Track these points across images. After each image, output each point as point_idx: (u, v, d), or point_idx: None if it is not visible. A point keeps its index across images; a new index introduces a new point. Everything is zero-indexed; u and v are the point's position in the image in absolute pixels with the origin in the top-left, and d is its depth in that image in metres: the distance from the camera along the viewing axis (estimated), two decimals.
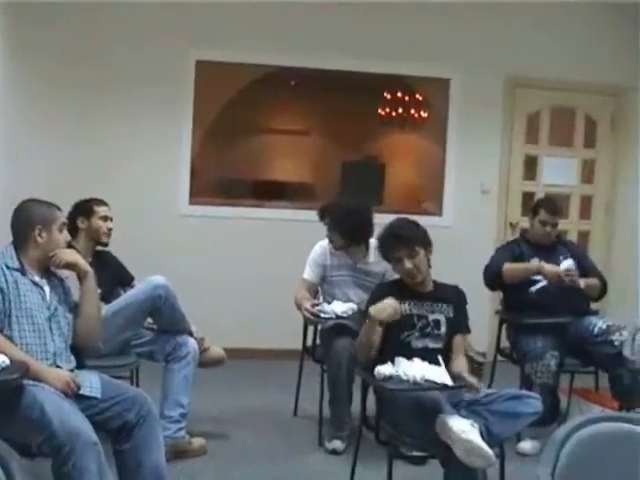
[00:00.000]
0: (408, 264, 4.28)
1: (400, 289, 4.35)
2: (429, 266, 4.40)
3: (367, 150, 13.10)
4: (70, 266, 3.91)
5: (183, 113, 7.48)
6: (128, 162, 7.37)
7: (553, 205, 5.92)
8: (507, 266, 5.62)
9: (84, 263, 3.97)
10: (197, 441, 4.99)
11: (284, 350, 6.56)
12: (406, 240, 4.29)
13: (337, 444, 5.18)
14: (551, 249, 5.77)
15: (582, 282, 5.57)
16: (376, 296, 4.39)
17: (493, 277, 5.68)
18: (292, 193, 11.90)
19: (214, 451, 5.02)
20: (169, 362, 4.93)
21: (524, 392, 4.20)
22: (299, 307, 5.41)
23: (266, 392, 6.43)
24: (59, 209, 3.99)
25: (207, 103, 8.24)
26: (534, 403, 3.96)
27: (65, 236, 3.95)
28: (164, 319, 4.98)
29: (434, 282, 4.44)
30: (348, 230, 5.43)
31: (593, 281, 5.69)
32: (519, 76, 7.93)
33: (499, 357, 6.02)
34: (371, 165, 12.82)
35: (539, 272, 5.55)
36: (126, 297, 5.01)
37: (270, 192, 11.16)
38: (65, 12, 7.06)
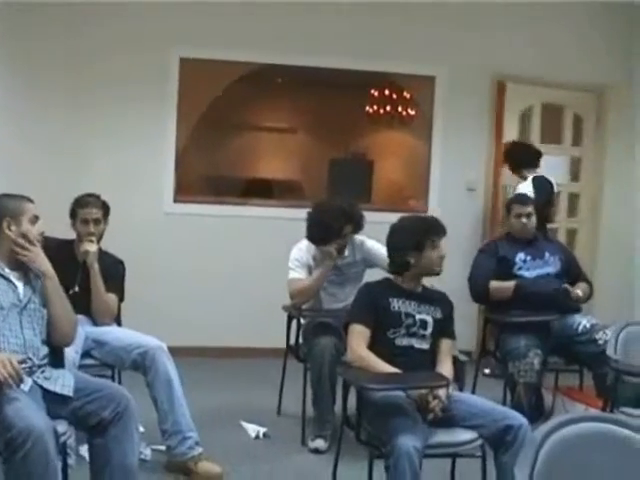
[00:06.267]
0: (443, 251, 4.32)
1: (389, 287, 4.34)
2: None
3: (355, 148, 13.10)
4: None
5: (167, 111, 7.45)
6: (112, 161, 7.33)
7: (523, 197, 6.15)
8: (494, 286, 5.65)
9: (45, 266, 3.90)
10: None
11: (269, 349, 6.52)
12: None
13: (320, 443, 5.17)
14: (535, 243, 5.82)
15: (579, 291, 5.63)
16: (364, 293, 4.40)
17: (480, 296, 5.79)
18: (280, 191, 11.85)
19: None
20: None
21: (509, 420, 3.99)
22: (302, 293, 5.43)
23: (250, 391, 6.40)
24: (30, 201, 3.95)
25: (192, 101, 8.19)
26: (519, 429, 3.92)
27: (38, 228, 3.89)
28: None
29: (423, 286, 4.43)
30: (312, 234, 5.45)
31: (585, 287, 5.74)
32: (505, 74, 7.89)
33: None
34: (359, 162, 12.79)
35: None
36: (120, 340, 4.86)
37: (257, 190, 11.11)
38: (49, 14, 7.03)
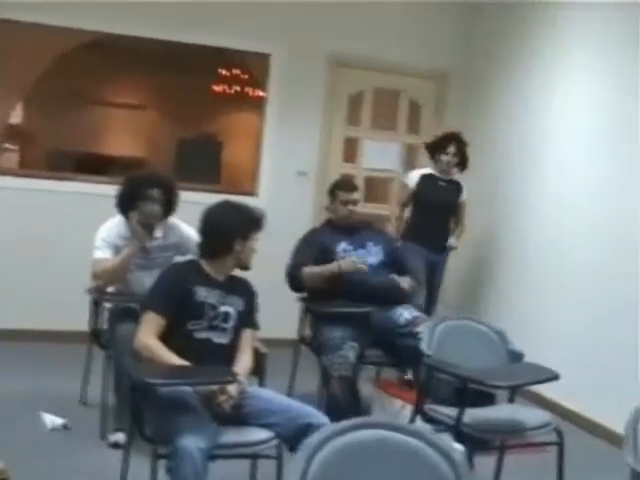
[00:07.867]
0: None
1: (196, 272, 4.07)
2: None
3: (207, 128, 12.90)
4: None
5: None
6: None
7: (349, 183, 5.98)
8: (306, 271, 5.40)
9: None
10: None
11: (80, 333, 6.09)
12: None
13: (119, 437, 4.81)
14: (358, 231, 5.62)
15: (406, 283, 5.49)
16: (167, 277, 4.12)
17: (293, 283, 5.50)
18: (123, 168, 11.40)
19: None
20: None
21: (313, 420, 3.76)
22: (106, 274, 5.11)
23: (53, 379, 5.99)
24: None
25: (20, 67, 7.71)
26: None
27: None
28: None
29: (228, 275, 4.17)
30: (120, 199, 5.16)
31: (409, 280, 5.59)
32: (342, 55, 7.72)
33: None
34: (208, 143, 12.58)
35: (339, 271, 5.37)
36: None
37: (98, 166, 10.67)
38: None
